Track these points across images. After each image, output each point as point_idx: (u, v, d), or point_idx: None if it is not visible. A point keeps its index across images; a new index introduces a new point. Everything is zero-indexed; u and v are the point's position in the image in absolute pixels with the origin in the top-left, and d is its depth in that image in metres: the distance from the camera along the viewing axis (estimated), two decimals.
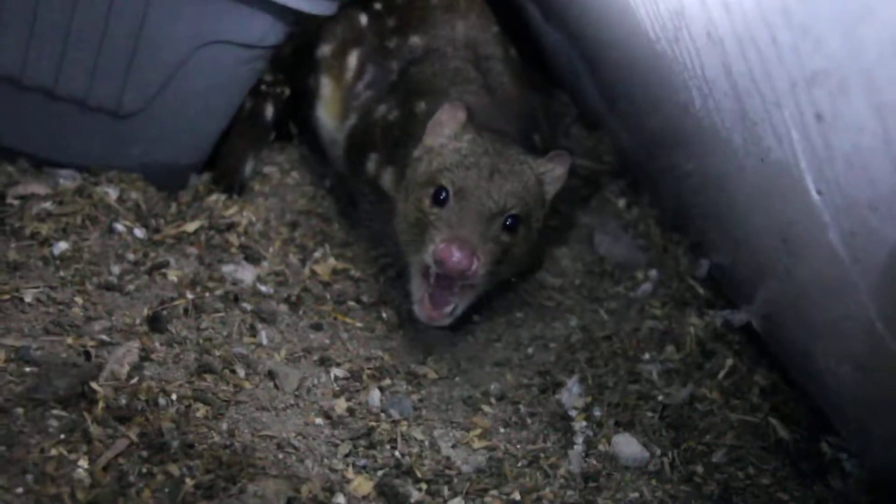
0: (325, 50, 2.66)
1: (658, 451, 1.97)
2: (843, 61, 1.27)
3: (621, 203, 2.77)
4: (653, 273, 2.52)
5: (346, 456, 1.83)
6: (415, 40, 2.49)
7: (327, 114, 2.66)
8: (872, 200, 1.36)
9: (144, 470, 1.65)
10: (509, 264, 2.18)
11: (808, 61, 1.36)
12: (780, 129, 1.55)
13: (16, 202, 2.18)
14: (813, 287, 1.82)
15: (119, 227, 2.21)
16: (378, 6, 2.61)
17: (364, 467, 1.82)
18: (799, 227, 1.71)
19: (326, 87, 2.65)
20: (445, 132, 2.19)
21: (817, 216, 1.56)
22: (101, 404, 1.73)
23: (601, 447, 1.97)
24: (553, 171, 2.22)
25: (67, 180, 2.28)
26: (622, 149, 2.87)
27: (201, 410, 1.82)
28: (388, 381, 2.06)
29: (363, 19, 2.61)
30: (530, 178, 2.17)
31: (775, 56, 1.43)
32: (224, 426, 1.81)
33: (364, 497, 1.74)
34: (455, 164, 2.11)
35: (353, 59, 2.60)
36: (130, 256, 2.16)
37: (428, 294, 2.14)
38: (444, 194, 2.08)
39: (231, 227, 2.32)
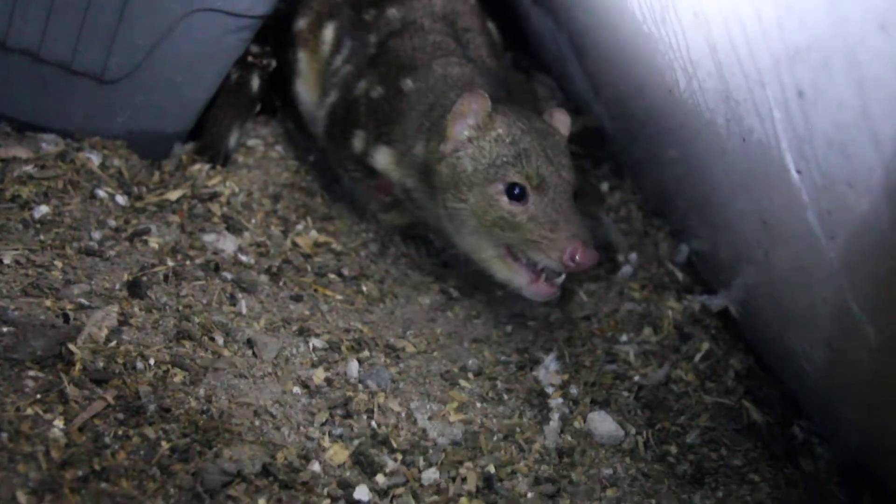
0: (300, 23, 2.64)
1: (633, 430, 1.98)
2: (827, 37, 1.28)
3: (604, 187, 2.79)
4: (633, 257, 2.54)
5: (323, 425, 1.84)
6: (392, 12, 2.47)
7: (306, 89, 2.65)
8: (850, 177, 1.38)
9: (120, 432, 1.65)
10: None
11: (791, 38, 1.37)
12: (763, 108, 1.57)
13: None
14: (790, 270, 1.84)
15: (101, 193, 2.21)
16: None
17: (340, 436, 1.82)
18: (778, 209, 1.73)
19: (303, 61, 2.64)
20: (470, 122, 2.15)
21: (796, 196, 1.58)
22: (78, 366, 1.74)
23: (576, 424, 1.98)
24: (564, 126, 2.26)
25: (50, 145, 2.27)
26: (606, 134, 2.88)
27: (179, 376, 1.82)
28: (366, 353, 2.06)
29: None
30: (564, 145, 2.19)
31: (760, 33, 1.45)
32: (201, 392, 1.81)
33: (339, 465, 1.75)
34: (512, 155, 2.10)
35: (328, 33, 2.58)
36: (111, 222, 2.16)
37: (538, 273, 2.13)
38: (518, 190, 2.07)
39: (214, 197, 2.32)
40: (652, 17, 1.91)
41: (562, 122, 2.25)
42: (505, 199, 2.08)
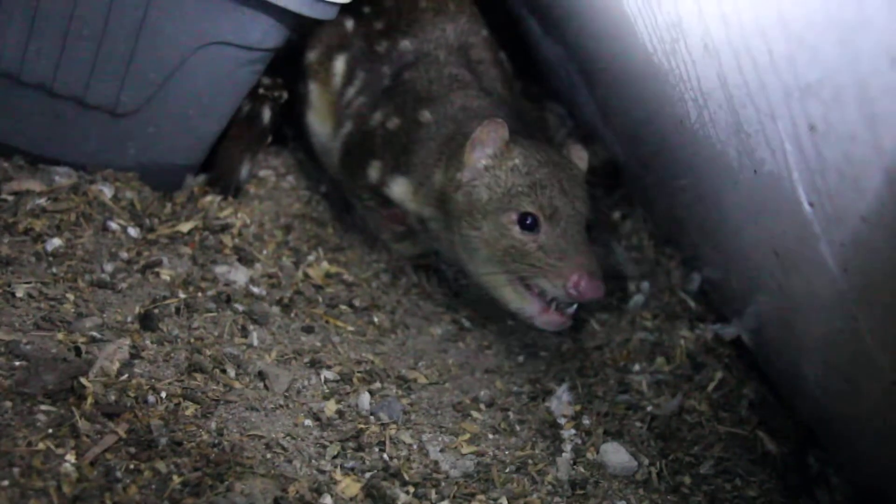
0: (310, 56, 2.65)
1: (646, 461, 1.97)
2: (838, 71, 1.28)
3: (615, 216, 2.79)
4: (645, 285, 2.54)
5: (335, 457, 1.83)
6: (405, 44, 2.48)
7: (319, 121, 2.66)
8: (863, 211, 1.38)
9: (132, 466, 1.64)
10: None
11: (803, 71, 1.37)
12: (774, 141, 1.56)
13: (10, 198, 2.18)
14: (803, 300, 1.83)
15: (113, 225, 2.21)
16: (366, 10, 2.60)
17: (352, 469, 1.81)
18: (790, 240, 1.72)
19: (315, 93, 2.65)
20: (488, 151, 2.17)
21: (808, 228, 1.57)
22: (89, 400, 1.73)
23: (589, 455, 1.97)
24: (582, 161, 2.28)
25: (63, 178, 2.28)
26: (617, 162, 2.88)
27: (190, 409, 1.82)
28: (378, 385, 2.06)
29: (348, 24, 2.60)
30: (581, 179, 2.21)
31: (770, 67, 1.45)
32: (213, 425, 1.80)
33: (351, 498, 1.74)
34: (527, 185, 2.12)
35: (339, 65, 2.59)
36: (124, 255, 2.16)
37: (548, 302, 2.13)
38: (530, 220, 2.09)
39: (225, 228, 2.32)
40: (662, 49, 1.91)
41: (579, 156, 2.26)
42: (517, 228, 2.10)
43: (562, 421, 2.06)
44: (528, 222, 2.09)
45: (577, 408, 2.09)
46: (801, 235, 1.62)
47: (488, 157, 2.17)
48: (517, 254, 2.10)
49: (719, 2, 1.54)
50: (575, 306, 2.15)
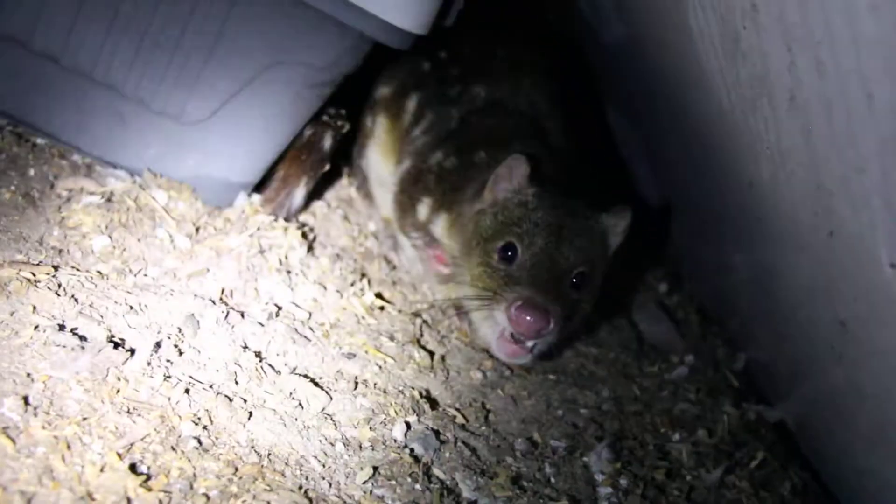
0: (384, 90, 2.67)
1: None
2: None
3: (662, 288, 2.75)
4: (689, 358, 2.50)
5: (364, 483, 1.76)
6: (477, 90, 2.49)
7: (380, 154, 2.66)
8: None
9: (159, 463, 1.60)
10: (578, 318, 2.19)
11: None
12: (858, 198, 1.52)
13: (64, 193, 2.17)
14: (867, 377, 1.77)
15: (162, 232, 2.19)
16: (443, 55, 2.62)
17: (381, 498, 1.75)
18: (862, 307, 1.66)
19: (381, 126, 2.66)
20: (508, 186, 2.17)
21: (887, 291, 1.52)
22: (122, 394, 1.70)
23: None
24: (616, 226, 2.21)
25: (118, 180, 2.26)
26: (667, 237, 2.85)
27: (223, 417, 1.77)
28: (414, 418, 1.99)
29: (426, 66, 2.62)
30: (596, 234, 2.16)
31: (868, 115, 1.41)
32: (244, 436, 1.75)
33: None
34: (522, 219, 2.11)
35: (412, 103, 2.60)
36: (169, 262, 2.13)
37: (509, 332, 2.10)
38: (510, 251, 2.08)
39: (273, 248, 2.29)
40: (741, 107, 1.88)
41: (622, 215, 2.22)
42: (497, 256, 2.10)
43: (599, 478, 1.99)
44: (508, 253, 2.09)
45: (617, 466, 2.02)
46: (876, 301, 1.57)
47: (507, 190, 2.18)
48: (487, 279, 2.09)
49: (815, 51, 1.50)
50: (533, 344, 2.11)
